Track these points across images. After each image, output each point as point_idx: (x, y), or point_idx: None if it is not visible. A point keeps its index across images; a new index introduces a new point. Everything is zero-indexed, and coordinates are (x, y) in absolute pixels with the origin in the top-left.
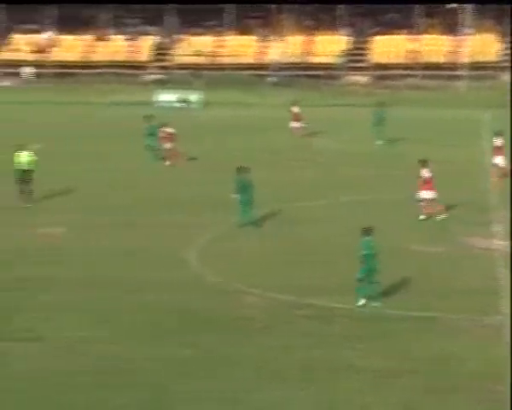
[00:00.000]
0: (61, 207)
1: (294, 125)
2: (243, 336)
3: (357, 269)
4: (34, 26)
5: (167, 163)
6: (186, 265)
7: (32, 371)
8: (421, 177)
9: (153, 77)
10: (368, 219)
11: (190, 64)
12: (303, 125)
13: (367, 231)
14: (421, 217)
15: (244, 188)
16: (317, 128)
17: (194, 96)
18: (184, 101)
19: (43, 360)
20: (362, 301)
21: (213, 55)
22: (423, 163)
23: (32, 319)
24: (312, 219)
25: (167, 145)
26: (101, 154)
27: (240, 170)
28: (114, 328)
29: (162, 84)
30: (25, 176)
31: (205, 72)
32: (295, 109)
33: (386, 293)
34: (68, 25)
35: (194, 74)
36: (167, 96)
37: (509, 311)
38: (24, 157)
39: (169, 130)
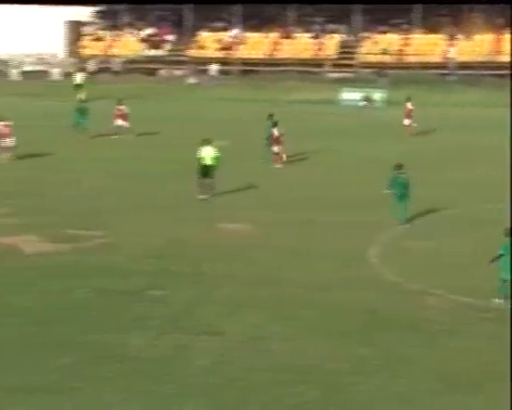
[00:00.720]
0: (244, 204)
1: (406, 122)
2: (423, 336)
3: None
4: (221, 24)
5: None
6: (365, 263)
7: (212, 365)
8: None
9: (337, 75)
10: None
11: (375, 63)
12: (412, 122)
13: (508, 232)
14: None
15: (398, 185)
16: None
17: (377, 95)
18: (368, 99)
19: (223, 355)
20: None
21: (399, 54)
22: None
23: (213, 314)
24: (496, 221)
25: (275, 148)
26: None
27: (396, 167)
28: (293, 325)
29: (346, 82)
30: (207, 171)
31: (390, 70)
32: (409, 106)
33: None
34: (254, 23)
35: (378, 73)
36: (351, 95)
37: None
38: (207, 152)
39: (276, 133)
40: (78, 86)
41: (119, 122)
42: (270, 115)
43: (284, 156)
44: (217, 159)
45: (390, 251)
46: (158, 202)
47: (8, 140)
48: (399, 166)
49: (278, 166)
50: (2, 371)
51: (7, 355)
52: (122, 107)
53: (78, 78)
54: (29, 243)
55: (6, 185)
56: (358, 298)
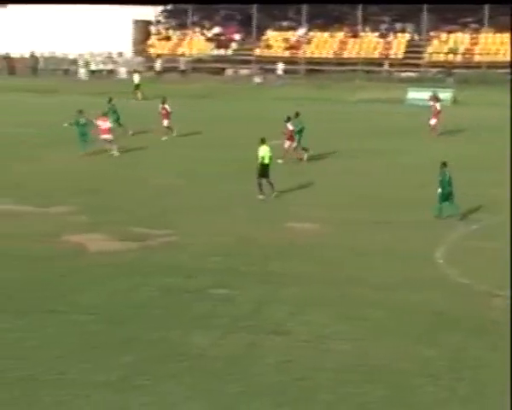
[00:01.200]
0: (306, 203)
1: (432, 122)
2: (490, 338)
3: None
4: (288, 24)
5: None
6: (431, 263)
7: (278, 364)
8: None
9: (404, 74)
10: None
11: (443, 62)
12: (438, 123)
13: None
14: None
15: (445, 183)
16: None
17: (444, 95)
18: (435, 99)
19: (289, 355)
20: None
21: (467, 53)
22: None
23: (280, 313)
24: None
25: (286, 144)
26: (340, 151)
27: (441, 165)
28: (359, 325)
29: (413, 81)
30: (265, 170)
31: (458, 70)
32: (437, 106)
33: None
34: (320, 22)
35: (446, 72)
36: (418, 94)
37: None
38: (264, 152)
39: (290, 127)
40: (137, 86)
41: (165, 122)
42: (297, 113)
43: (294, 153)
44: (271, 158)
45: (456, 251)
46: (221, 202)
47: (106, 136)
48: (444, 164)
49: (281, 161)
50: (67, 366)
51: (71, 352)
52: (166, 106)
53: (136, 78)
54: (95, 241)
55: (73, 183)
56: (424, 299)
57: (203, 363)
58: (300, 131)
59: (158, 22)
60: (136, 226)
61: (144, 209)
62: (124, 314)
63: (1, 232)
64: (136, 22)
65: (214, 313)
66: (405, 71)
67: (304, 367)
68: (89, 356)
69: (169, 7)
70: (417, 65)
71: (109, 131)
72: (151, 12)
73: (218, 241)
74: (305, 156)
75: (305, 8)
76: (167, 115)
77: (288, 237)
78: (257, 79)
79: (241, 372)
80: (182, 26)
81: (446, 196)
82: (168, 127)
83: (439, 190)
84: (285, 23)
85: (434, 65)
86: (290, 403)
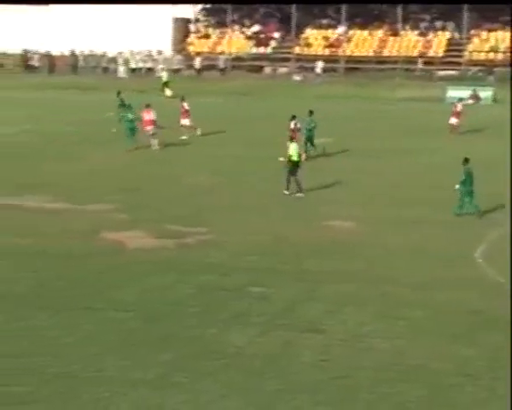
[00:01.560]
0: (342, 201)
1: (453, 121)
2: None
3: None
4: (327, 22)
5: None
6: (471, 263)
7: (315, 363)
8: None
9: (444, 73)
10: None
11: (484, 60)
12: (458, 122)
13: None
14: None
15: (466, 181)
16: None
17: (484, 93)
18: (475, 97)
19: (326, 353)
20: None
21: (508, 52)
22: None
23: (316, 311)
24: None
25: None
26: (379, 150)
27: (464, 161)
28: (396, 324)
29: (454, 80)
30: (296, 168)
31: (499, 68)
32: (459, 107)
33: None
34: (360, 20)
35: (486, 71)
36: (458, 93)
37: None
38: (292, 150)
39: (292, 126)
40: (165, 84)
41: (185, 121)
42: (311, 111)
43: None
44: (299, 156)
45: (495, 251)
46: (257, 200)
47: (149, 127)
48: (466, 161)
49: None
50: (106, 363)
51: (109, 349)
52: (185, 104)
53: (165, 75)
54: (133, 238)
55: (110, 180)
56: (463, 298)
57: (240, 361)
58: (311, 130)
59: (197, 20)
60: (172, 224)
61: (180, 207)
62: (161, 311)
63: (39, 230)
64: (176, 20)
65: (250, 311)
66: (446, 69)
67: (342, 366)
68: (127, 353)
69: (208, 5)
70: (458, 63)
71: (152, 122)
72: (190, 10)
73: (253, 239)
74: (311, 153)
75: (344, 6)
76: (186, 113)
77: (323, 236)
78: (296, 77)
79: (279, 370)
80: (221, 24)
81: (470, 192)
82: (191, 126)
83: (457, 186)
84: (325, 21)
85: (475, 63)
86: (330, 401)
